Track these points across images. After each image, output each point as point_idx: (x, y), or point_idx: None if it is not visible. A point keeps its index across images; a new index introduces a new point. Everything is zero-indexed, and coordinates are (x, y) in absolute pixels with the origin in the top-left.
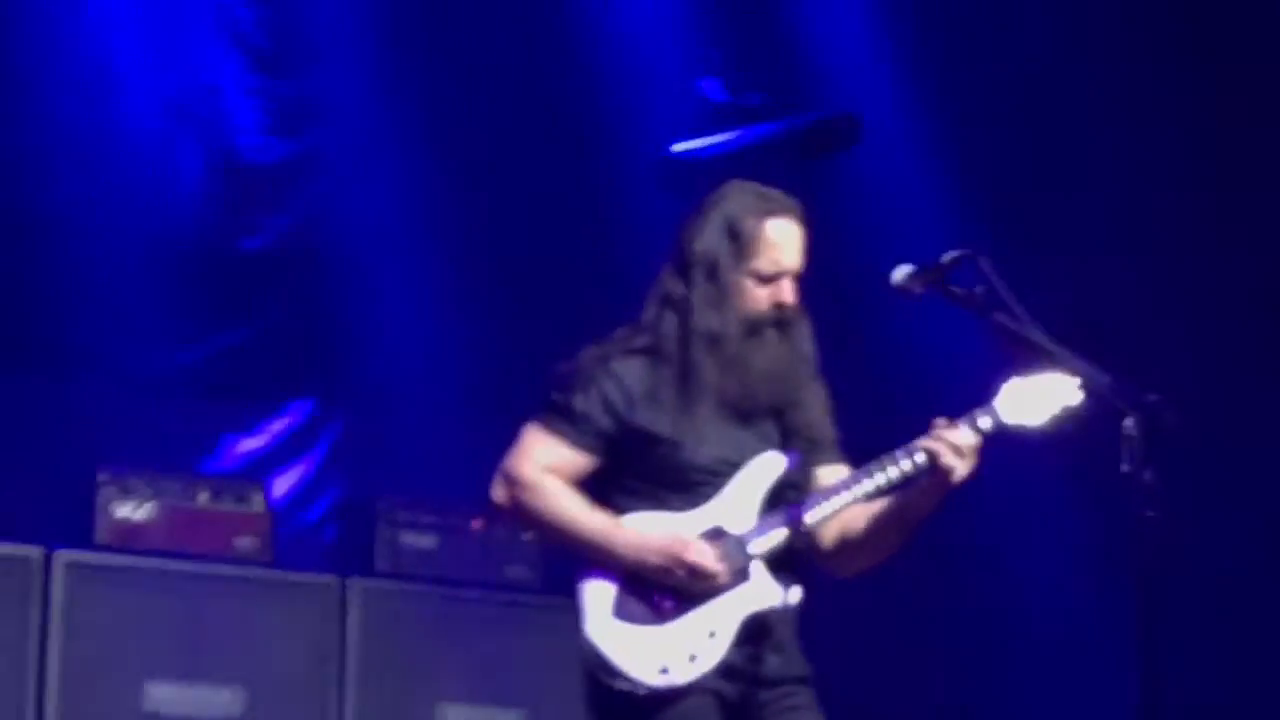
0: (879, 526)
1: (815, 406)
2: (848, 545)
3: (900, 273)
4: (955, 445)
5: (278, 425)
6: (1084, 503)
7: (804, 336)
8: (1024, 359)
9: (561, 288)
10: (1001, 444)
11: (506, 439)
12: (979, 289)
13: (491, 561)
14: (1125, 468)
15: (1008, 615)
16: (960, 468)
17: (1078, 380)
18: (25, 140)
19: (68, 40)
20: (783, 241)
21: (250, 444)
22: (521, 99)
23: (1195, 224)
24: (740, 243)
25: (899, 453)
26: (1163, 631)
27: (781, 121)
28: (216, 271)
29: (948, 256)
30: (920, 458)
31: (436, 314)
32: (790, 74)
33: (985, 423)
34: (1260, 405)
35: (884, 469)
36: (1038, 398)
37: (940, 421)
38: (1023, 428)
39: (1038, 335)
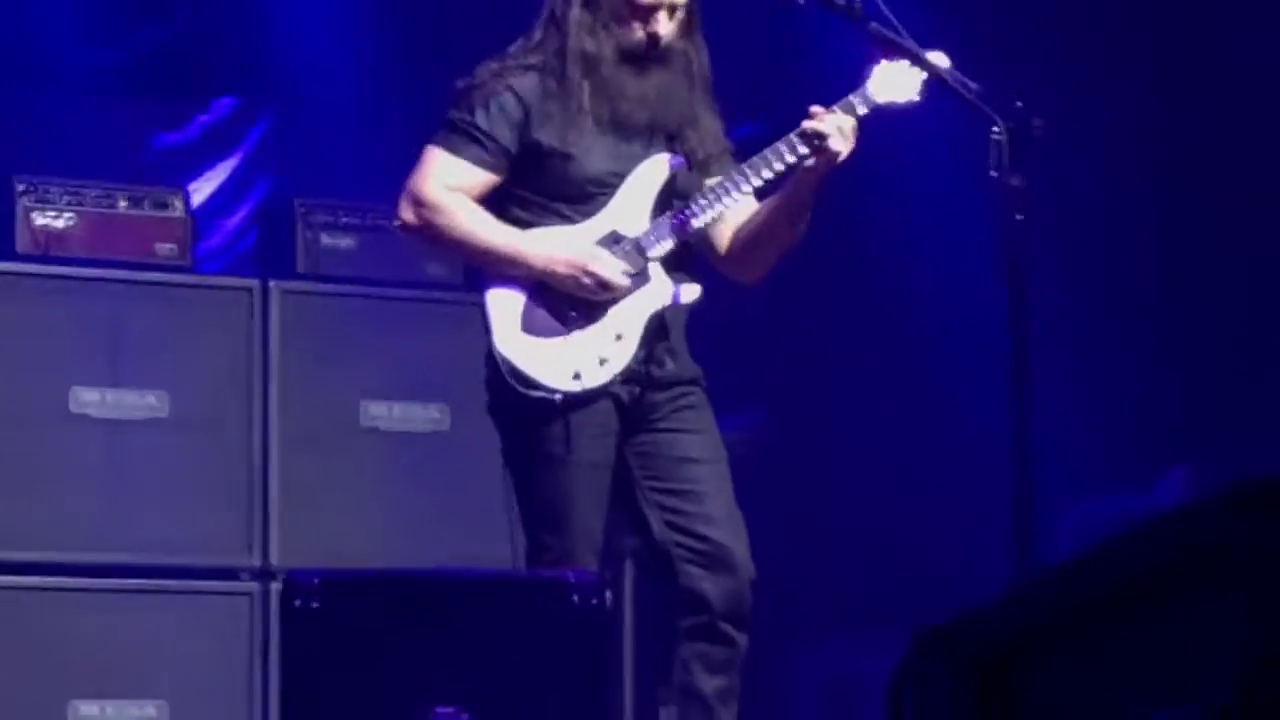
0: (768, 221)
1: (706, 132)
2: (741, 245)
3: None
4: (836, 125)
5: (201, 120)
6: (959, 206)
7: (695, 62)
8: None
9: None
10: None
11: (419, 144)
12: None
13: (411, 260)
14: (993, 171)
15: (896, 305)
16: (842, 148)
17: (936, 54)
18: None
19: None
20: None
21: (172, 140)
22: None
23: None
24: None
25: (780, 145)
26: (1030, 323)
27: None
28: None
29: None
30: (802, 148)
31: (363, 12)
32: None
33: (860, 104)
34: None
35: (767, 162)
36: (902, 74)
37: (817, 109)
38: (893, 104)
39: (911, 44)
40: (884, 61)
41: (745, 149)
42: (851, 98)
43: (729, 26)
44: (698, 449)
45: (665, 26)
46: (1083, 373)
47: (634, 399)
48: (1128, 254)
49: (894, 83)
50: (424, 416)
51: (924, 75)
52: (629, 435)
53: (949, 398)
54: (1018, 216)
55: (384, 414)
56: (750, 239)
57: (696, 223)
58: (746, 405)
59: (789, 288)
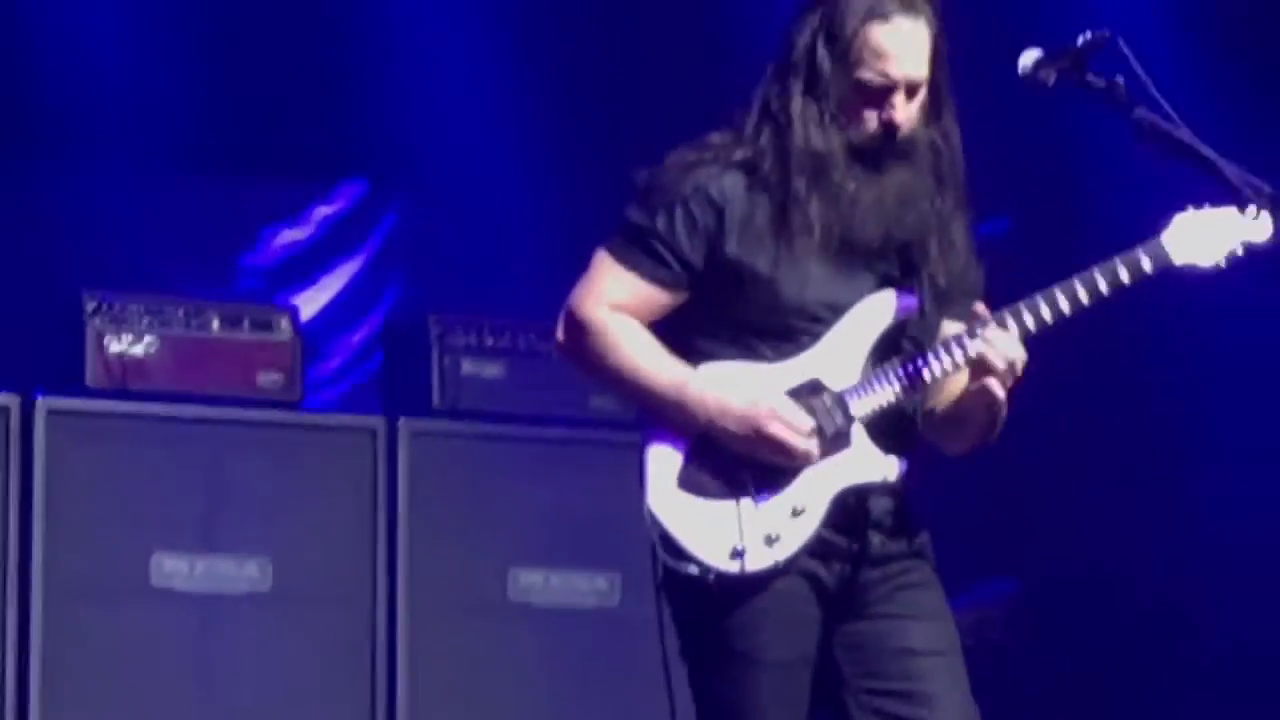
0: (950, 414)
1: (949, 245)
2: (932, 421)
3: (1027, 58)
4: (1000, 356)
5: (318, 210)
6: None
7: (943, 155)
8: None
9: (650, 76)
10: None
11: (584, 248)
12: (1121, 80)
13: (572, 392)
14: None
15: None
16: (997, 390)
17: (1266, 214)
18: None
19: None
20: (895, 47)
21: (291, 235)
22: None
23: None
24: (840, 49)
25: (981, 325)
26: None
27: None
28: (245, 31)
29: (1084, 38)
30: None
31: (510, 96)
32: None
33: (1147, 262)
34: None
35: (988, 328)
36: (1212, 227)
37: (985, 325)
38: (1194, 267)
39: (1187, 134)
40: (1190, 209)
41: (981, 249)
42: (1140, 251)
43: (969, 108)
44: (922, 637)
45: (904, 111)
46: None
47: (839, 578)
48: None
49: (1197, 240)
50: (588, 589)
51: (1241, 235)
52: (835, 624)
53: (1236, 571)
54: None
55: (538, 585)
56: (943, 421)
57: (923, 380)
58: (992, 577)
59: (1039, 447)
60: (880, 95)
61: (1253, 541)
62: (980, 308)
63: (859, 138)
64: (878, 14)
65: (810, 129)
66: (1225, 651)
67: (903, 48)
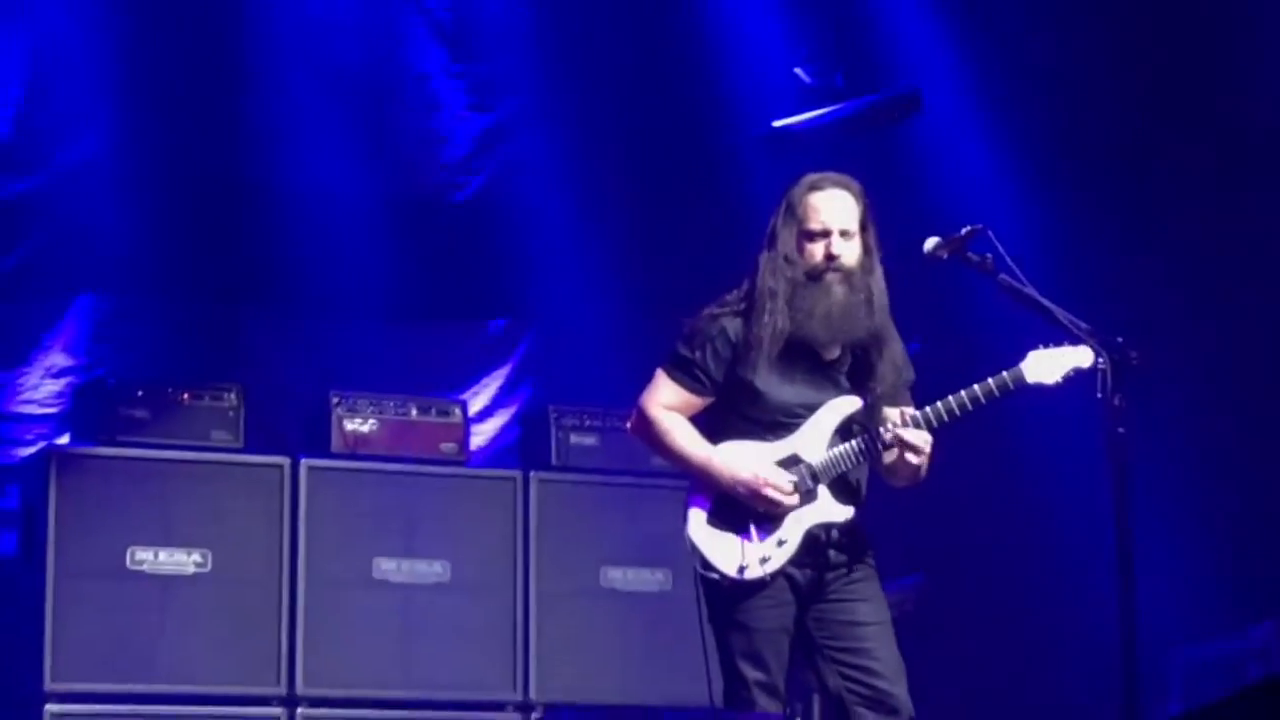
0: (894, 464)
1: (885, 354)
2: (885, 468)
3: (929, 243)
4: (912, 441)
5: (477, 340)
6: (1076, 422)
7: (873, 287)
8: (1026, 311)
9: (687, 238)
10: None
11: (650, 361)
12: (989, 256)
13: (641, 455)
14: (1099, 394)
15: (1027, 498)
16: (915, 461)
17: (1089, 350)
18: (276, 124)
19: (297, 40)
20: (825, 206)
21: (454, 357)
22: (650, 85)
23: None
24: (792, 212)
25: (894, 424)
26: (1134, 515)
27: (860, 99)
28: (430, 219)
29: (965, 230)
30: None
31: (599, 257)
32: (864, 59)
33: (1011, 381)
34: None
35: (908, 428)
36: (1050, 361)
37: (904, 419)
38: (1040, 384)
39: (1031, 291)
40: (1040, 348)
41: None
42: (1005, 376)
43: (888, 266)
44: (865, 613)
45: (840, 246)
46: (1180, 545)
47: (808, 579)
48: (1214, 451)
49: (1044, 367)
50: (651, 579)
51: (1071, 364)
52: (807, 606)
53: (1069, 569)
54: (1120, 429)
55: (619, 577)
56: (889, 470)
57: (861, 457)
58: (909, 572)
59: (944, 488)
60: (819, 237)
61: (1077, 543)
62: (909, 411)
63: (808, 269)
64: (817, 187)
65: (767, 275)
66: (1064, 617)
67: (833, 206)
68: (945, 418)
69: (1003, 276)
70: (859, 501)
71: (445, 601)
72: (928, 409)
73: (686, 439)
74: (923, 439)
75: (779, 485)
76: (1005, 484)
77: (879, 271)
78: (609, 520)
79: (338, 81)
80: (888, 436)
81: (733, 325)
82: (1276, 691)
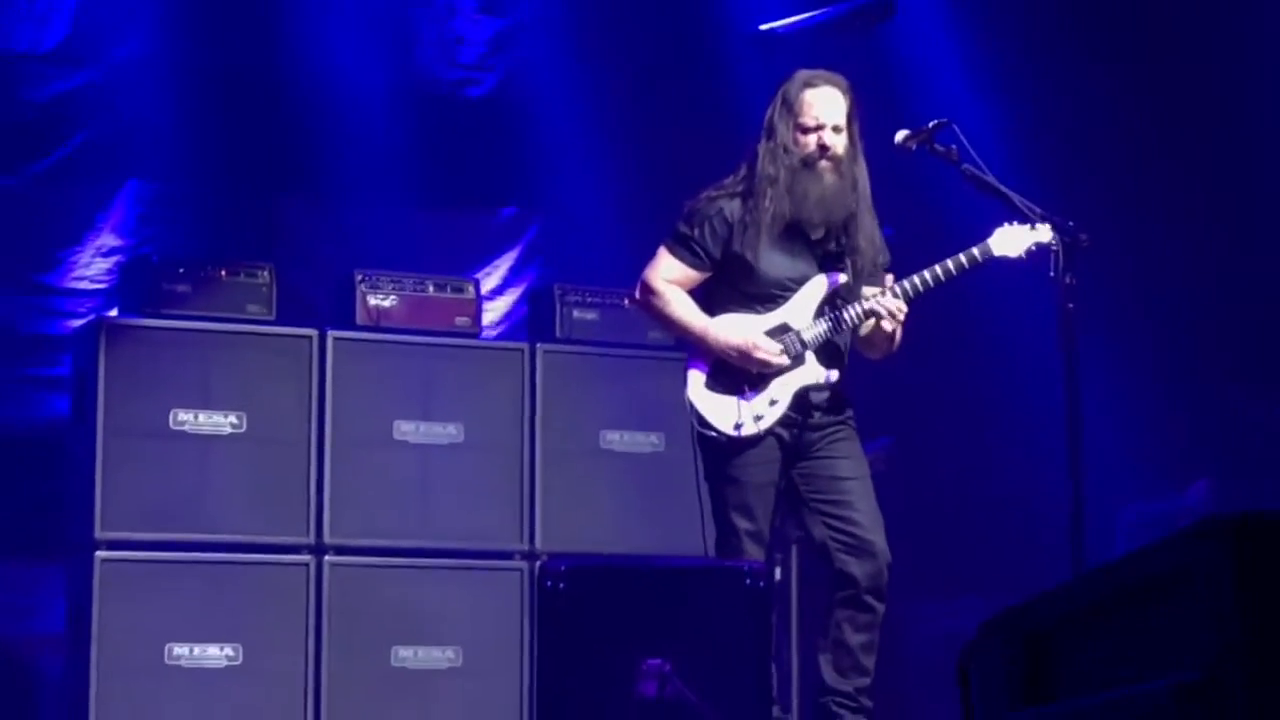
0: (871, 337)
1: (867, 234)
2: (862, 343)
3: (899, 135)
4: (888, 308)
5: (489, 225)
6: (1032, 296)
7: (858, 175)
8: (986, 197)
9: (682, 132)
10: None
11: (647, 245)
12: (954, 147)
13: (639, 328)
14: (1052, 273)
15: (985, 367)
16: (888, 327)
17: (1048, 227)
18: (309, 26)
19: None
20: (819, 102)
21: (469, 240)
22: None
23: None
24: (789, 107)
25: (876, 295)
26: (1082, 383)
27: (839, 4)
28: (447, 114)
29: (932, 123)
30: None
31: (601, 149)
32: None
33: (980, 254)
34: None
35: (866, 300)
36: (1015, 236)
37: (885, 291)
38: (1005, 258)
39: (992, 179)
40: (1005, 224)
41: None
42: (974, 250)
43: (873, 159)
44: (846, 469)
45: (831, 138)
46: (1124, 411)
47: (794, 437)
48: (1153, 325)
49: (1009, 241)
50: (646, 441)
51: (1033, 240)
52: (795, 462)
53: (1023, 431)
54: (1070, 304)
55: (617, 439)
56: (865, 341)
57: (843, 325)
58: (881, 435)
59: (912, 360)
60: (813, 130)
61: (1033, 410)
62: (887, 279)
63: (804, 157)
64: (811, 84)
65: (767, 161)
66: (1020, 477)
67: (826, 102)
68: (920, 288)
69: (966, 166)
70: (842, 365)
71: (459, 460)
72: (904, 280)
73: (685, 309)
74: (897, 306)
75: (769, 349)
76: (966, 356)
77: (863, 160)
78: (608, 388)
79: None
80: (868, 305)
81: (729, 206)
82: (1195, 535)
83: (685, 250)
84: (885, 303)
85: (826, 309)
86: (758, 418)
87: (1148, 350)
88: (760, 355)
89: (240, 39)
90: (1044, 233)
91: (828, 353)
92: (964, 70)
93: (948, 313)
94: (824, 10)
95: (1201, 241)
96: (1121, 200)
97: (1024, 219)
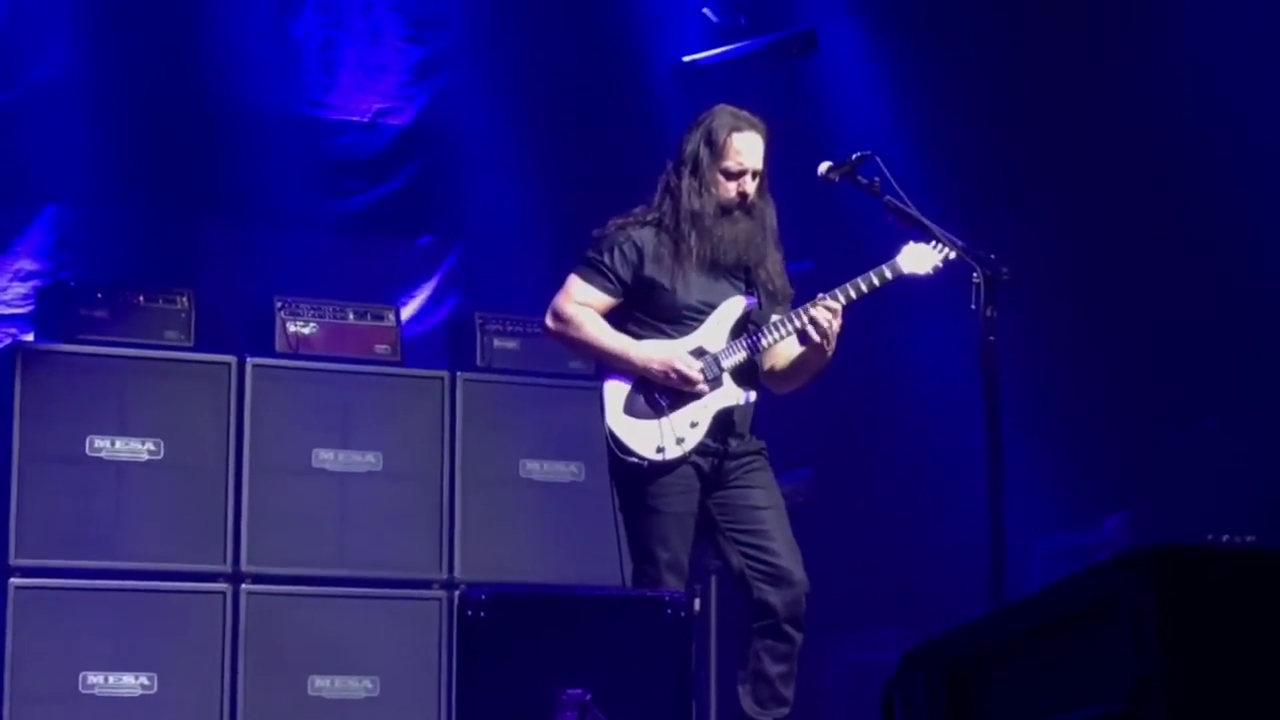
0: (802, 357)
1: (774, 268)
2: (781, 370)
3: (822, 167)
4: (823, 319)
5: (408, 254)
6: (952, 330)
7: (767, 215)
8: (907, 229)
9: (603, 161)
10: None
11: (567, 273)
12: (876, 179)
13: (558, 358)
14: (973, 306)
15: (905, 400)
16: (815, 337)
17: (946, 247)
18: (230, 50)
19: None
20: (745, 149)
21: (387, 269)
22: (571, 23)
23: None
24: (714, 149)
25: (805, 306)
26: (1002, 416)
27: (761, 37)
28: (368, 141)
29: (855, 155)
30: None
31: (521, 178)
32: (764, 2)
33: (889, 272)
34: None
35: (797, 315)
36: (923, 253)
37: (820, 305)
38: (915, 275)
39: (915, 212)
40: (911, 243)
41: (801, 280)
42: (884, 267)
43: (784, 189)
44: (761, 498)
45: (750, 187)
46: (1043, 444)
47: (711, 467)
48: (1072, 359)
49: (916, 259)
50: (566, 471)
51: (939, 257)
52: (711, 492)
53: (942, 461)
54: (991, 338)
55: (537, 468)
56: (790, 367)
57: (761, 345)
58: (801, 467)
59: (831, 391)
60: (735, 176)
61: (953, 442)
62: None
63: (722, 201)
64: (737, 129)
65: (692, 197)
66: (940, 508)
67: (750, 149)
68: (844, 300)
69: (888, 198)
70: (756, 386)
71: (378, 489)
72: (826, 293)
73: (601, 330)
74: (835, 307)
75: (692, 365)
76: (887, 388)
77: (769, 197)
78: (528, 417)
79: (284, 12)
80: (801, 321)
81: (639, 234)
82: (1117, 566)
83: (597, 274)
84: (818, 316)
85: (741, 332)
86: (679, 440)
87: (1066, 383)
88: (681, 368)
89: (159, 63)
90: (950, 250)
91: (743, 374)
92: (886, 102)
93: (868, 344)
94: (747, 43)
95: (1121, 274)
96: (1043, 234)
97: (931, 240)
